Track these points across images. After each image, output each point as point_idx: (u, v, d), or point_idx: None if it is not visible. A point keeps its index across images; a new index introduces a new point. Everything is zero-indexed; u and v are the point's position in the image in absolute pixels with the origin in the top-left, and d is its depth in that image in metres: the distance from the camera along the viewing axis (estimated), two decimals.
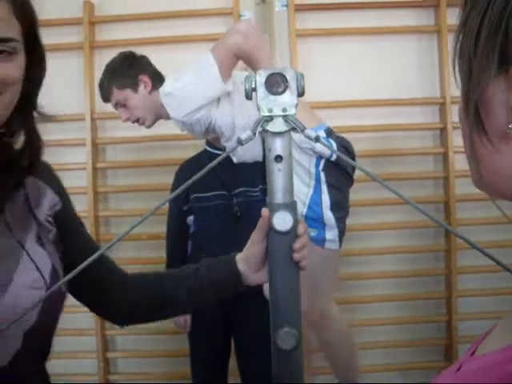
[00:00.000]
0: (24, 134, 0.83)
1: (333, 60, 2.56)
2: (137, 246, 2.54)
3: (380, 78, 2.53)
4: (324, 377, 2.54)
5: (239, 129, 1.84)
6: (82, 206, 2.35)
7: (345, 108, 2.54)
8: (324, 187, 1.79)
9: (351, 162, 0.63)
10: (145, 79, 2.00)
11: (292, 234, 0.70)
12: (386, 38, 2.57)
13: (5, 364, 0.75)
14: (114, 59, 2.04)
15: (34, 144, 0.84)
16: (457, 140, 2.50)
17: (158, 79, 2.00)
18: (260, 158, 1.93)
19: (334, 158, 1.78)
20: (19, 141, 0.84)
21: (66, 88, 2.44)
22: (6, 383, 0.76)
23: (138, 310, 0.98)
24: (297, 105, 0.66)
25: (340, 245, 1.87)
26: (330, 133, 1.84)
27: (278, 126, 0.66)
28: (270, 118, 0.66)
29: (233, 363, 2.26)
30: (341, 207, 1.85)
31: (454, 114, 2.48)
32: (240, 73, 1.89)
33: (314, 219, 1.78)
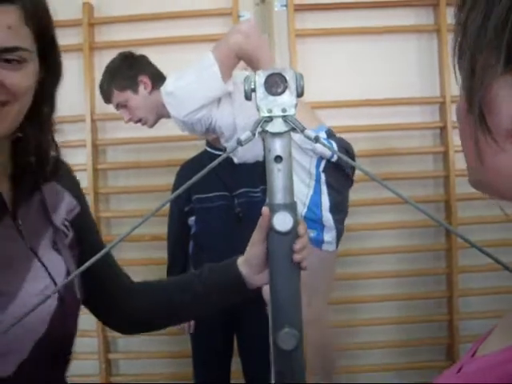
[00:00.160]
0: (40, 141, 0.82)
1: (332, 60, 2.56)
2: (139, 247, 2.54)
3: (380, 78, 2.53)
4: None
5: (240, 129, 1.84)
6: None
7: (344, 108, 2.54)
8: (324, 188, 1.79)
9: (351, 162, 0.63)
10: (144, 80, 2.00)
11: (292, 234, 0.70)
12: (385, 38, 2.57)
13: (9, 374, 0.73)
14: (113, 60, 2.04)
15: (48, 151, 0.83)
16: (457, 139, 2.49)
17: (158, 79, 2.00)
18: (261, 158, 1.93)
19: (334, 159, 1.78)
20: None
21: (65, 89, 2.44)
22: None
23: (144, 317, 0.97)
24: (296, 105, 0.66)
25: (337, 246, 1.87)
26: (330, 134, 1.83)
27: (277, 126, 0.66)
28: (270, 119, 0.66)
29: (235, 364, 2.26)
30: (340, 209, 1.84)
31: (454, 113, 2.46)
32: (241, 73, 1.89)
33: (313, 220, 1.78)
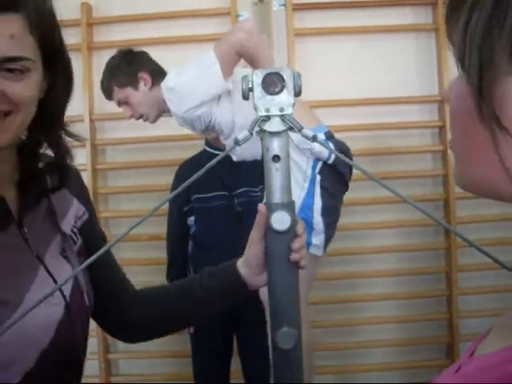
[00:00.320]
0: (50, 150, 0.81)
1: (331, 59, 2.56)
2: (137, 247, 2.54)
3: (378, 77, 2.53)
4: (324, 377, 2.54)
5: (239, 127, 1.84)
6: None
7: (343, 107, 2.54)
8: (318, 190, 1.76)
9: (348, 160, 0.63)
10: (144, 76, 2.00)
11: (290, 233, 0.70)
12: (383, 37, 2.57)
13: (16, 383, 0.72)
14: (113, 57, 2.04)
15: (60, 160, 0.82)
16: None
17: (158, 75, 2.00)
18: (259, 157, 1.93)
19: (331, 161, 1.76)
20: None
21: None
22: None
23: (145, 325, 0.97)
24: (294, 104, 0.66)
25: (324, 251, 1.83)
26: (329, 136, 1.82)
27: (275, 125, 0.66)
28: (268, 118, 0.66)
29: (235, 364, 2.26)
30: (331, 213, 1.81)
31: None
32: (241, 70, 1.89)
33: (304, 222, 1.77)
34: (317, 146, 1.71)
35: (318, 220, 1.77)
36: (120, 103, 2.04)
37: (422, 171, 2.61)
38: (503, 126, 0.38)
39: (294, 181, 1.76)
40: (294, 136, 1.56)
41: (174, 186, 2.14)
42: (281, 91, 0.66)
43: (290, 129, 0.66)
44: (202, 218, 2.12)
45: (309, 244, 1.77)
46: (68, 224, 0.86)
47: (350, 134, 2.44)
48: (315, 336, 2.19)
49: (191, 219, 2.15)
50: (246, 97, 0.67)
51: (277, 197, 0.69)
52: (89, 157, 2.51)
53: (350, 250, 2.54)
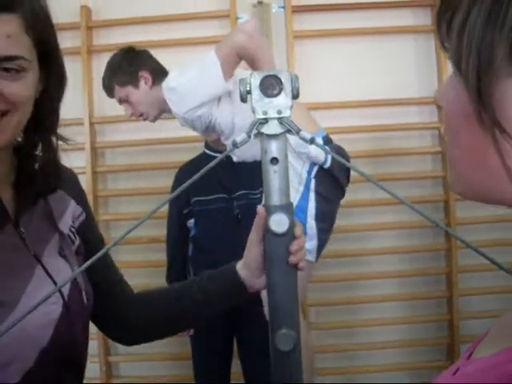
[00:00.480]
0: (44, 150, 0.82)
1: (330, 61, 2.57)
2: (137, 250, 2.55)
3: (377, 78, 2.54)
4: (325, 378, 2.54)
5: (238, 128, 1.85)
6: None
7: (342, 109, 2.54)
8: (312, 195, 1.76)
9: (344, 161, 0.63)
10: (145, 75, 2.00)
11: (288, 235, 0.70)
12: (383, 39, 2.58)
13: (15, 383, 0.72)
14: (114, 56, 2.05)
15: (50, 164, 0.83)
16: None
17: (159, 73, 2.00)
18: (259, 158, 1.93)
19: (327, 165, 1.76)
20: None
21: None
22: None
23: (144, 328, 0.97)
24: (292, 107, 0.66)
25: (317, 258, 1.82)
26: (327, 141, 1.82)
27: (273, 128, 0.66)
28: (265, 121, 0.66)
29: (235, 365, 2.26)
30: (325, 218, 1.80)
31: None
32: (242, 72, 1.90)
33: None
34: (313, 150, 1.71)
35: (311, 224, 1.76)
36: (121, 101, 2.05)
37: (421, 172, 2.62)
38: (504, 129, 0.37)
39: (290, 184, 1.75)
40: (292, 139, 1.56)
41: (174, 189, 2.15)
42: (279, 94, 0.66)
43: (288, 131, 0.66)
44: (202, 220, 2.12)
45: None
46: (65, 224, 0.87)
47: (349, 136, 2.44)
48: (314, 339, 2.18)
49: (191, 222, 2.15)
50: (244, 99, 0.67)
51: (275, 199, 0.69)
52: (88, 160, 2.51)
53: (350, 252, 2.54)
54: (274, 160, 0.68)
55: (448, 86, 0.44)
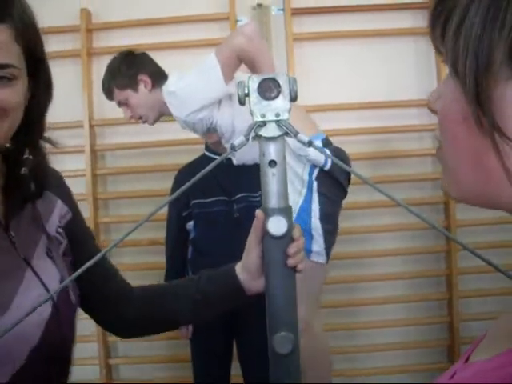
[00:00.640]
0: (30, 157, 0.83)
1: (329, 63, 2.57)
2: (136, 252, 2.55)
3: (377, 81, 2.54)
4: None
5: (238, 131, 1.85)
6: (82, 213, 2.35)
7: (342, 111, 2.55)
8: (315, 196, 1.76)
9: (342, 164, 0.64)
10: (144, 78, 2.00)
11: (287, 238, 0.71)
12: (382, 41, 2.58)
13: (5, 382, 0.74)
14: (113, 59, 2.05)
15: (38, 168, 0.84)
16: None
17: (158, 77, 2.00)
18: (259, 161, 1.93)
19: (327, 167, 1.76)
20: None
21: (63, 95, 2.43)
22: None
23: (141, 323, 0.98)
24: (290, 109, 0.66)
25: (327, 259, 1.81)
26: (326, 143, 1.82)
27: (271, 130, 0.66)
28: (263, 123, 0.66)
29: (235, 368, 2.25)
30: (331, 220, 1.81)
31: None
32: (242, 74, 1.90)
33: (302, 229, 1.76)
34: (312, 153, 1.71)
35: (316, 225, 1.76)
36: (120, 104, 2.06)
37: (421, 174, 2.61)
38: (504, 133, 0.36)
39: (292, 187, 1.75)
40: (291, 142, 1.56)
41: (173, 191, 2.15)
42: (277, 96, 0.66)
43: (286, 134, 0.66)
44: (201, 223, 2.12)
45: (310, 251, 1.76)
46: (53, 225, 0.89)
47: (349, 138, 2.44)
48: (330, 340, 2.17)
49: (190, 224, 2.15)
50: (242, 102, 0.67)
51: (273, 202, 0.69)
52: (88, 162, 2.51)
53: (350, 254, 2.54)
54: (272, 163, 0.68)
55: (443, 89, 0.43)
